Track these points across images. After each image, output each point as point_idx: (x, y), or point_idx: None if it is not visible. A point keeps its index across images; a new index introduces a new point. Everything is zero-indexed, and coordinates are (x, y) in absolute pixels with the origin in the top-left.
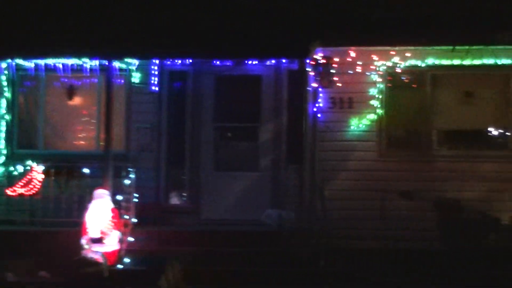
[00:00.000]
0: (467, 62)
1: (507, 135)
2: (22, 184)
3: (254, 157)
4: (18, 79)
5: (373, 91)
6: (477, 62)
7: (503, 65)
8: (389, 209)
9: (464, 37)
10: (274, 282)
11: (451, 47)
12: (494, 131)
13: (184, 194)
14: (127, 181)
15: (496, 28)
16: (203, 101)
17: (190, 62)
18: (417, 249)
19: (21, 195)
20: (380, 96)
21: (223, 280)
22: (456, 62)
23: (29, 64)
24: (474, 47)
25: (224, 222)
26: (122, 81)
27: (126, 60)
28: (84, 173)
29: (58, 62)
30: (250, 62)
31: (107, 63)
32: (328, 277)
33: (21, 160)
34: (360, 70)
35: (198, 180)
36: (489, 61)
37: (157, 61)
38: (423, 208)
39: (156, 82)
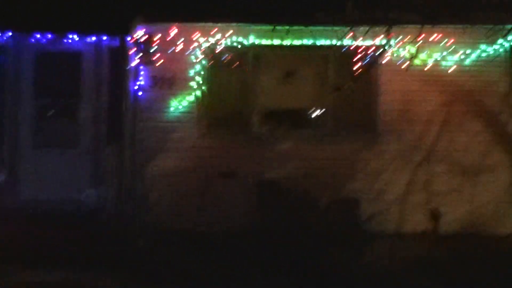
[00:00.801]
0: (287, 42)
1: (325, 115)
2: None
3: (75, 135)
4: None
5: (195, 70)
6: (297, 42)
7: (322, 46)
8: (210, 189)
9: (284, 17)
10: (91, 261)
11: (270, 27)
12: (313, 111)
13: (2, 172)
14: None
15: (315, 9)
16: (23, 76)
17: (9, 36)
18: (237, 228)
19: None
20: (202, 75)
21: (39, 260)
22: (277, 42)
23: None
24: (294, 27)
25: (43, 201)
26: None
27: None
28: None
29: None
30: (70, 37)
31: None
32: (146, 256)
33: None
34: (182, 48)
35: (17, 159)
36: (309, 41)
37: None
38: (244, 187)
39: None
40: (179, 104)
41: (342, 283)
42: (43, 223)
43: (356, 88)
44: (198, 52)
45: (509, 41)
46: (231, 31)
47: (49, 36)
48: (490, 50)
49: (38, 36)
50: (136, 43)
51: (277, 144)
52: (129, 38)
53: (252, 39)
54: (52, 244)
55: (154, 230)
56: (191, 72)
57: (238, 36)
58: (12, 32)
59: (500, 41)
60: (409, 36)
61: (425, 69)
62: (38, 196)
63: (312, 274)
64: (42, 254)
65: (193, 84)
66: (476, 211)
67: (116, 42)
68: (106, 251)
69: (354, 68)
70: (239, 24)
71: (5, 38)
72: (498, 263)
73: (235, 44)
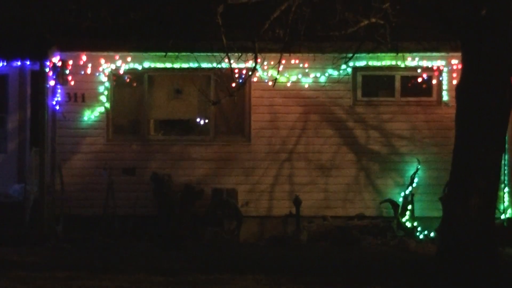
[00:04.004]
0: (177, 65)
1: (208, 123)
2: None
3: (3, 141)
4: None
5: (101, 88)
6: (184, 65)
7: (205, 68)
8: (115, 183)
9: (174, 45)
10: (18, 241)
11: (163, 53)
12: (198, 121)
13: None
14: None
15: (198, 39)
16: None
17: None
18: (138, 215)
19: None
20: (107, 93)
21: None
22: (168, 65)
23: None
24: (182, 53)
25: None
26: None
27: None
28: None
29: None
30: None
31: None
32: (64, 237)
33: None
34: (90, 71)
35: None
36: (194, 64)
37: None
38: (142, 182)
39: None
40: (90, 115)
41: (217, 253)
42: None
43: (232, 102)
44: (104, 74)
45: (350, 66)
46: (129, 58)
47: None
48: (336, 72)
49: None
50: (53, 66)
51: (170, 146)
52: (47, 63)
53: (147, 64)
54: None
55: (70, 217)
56: (99, 90)
57: (135, 61)
58: None
59: (343, 66)
60: (272, 61)
61: (287, 86)
62: None
63: (195, 247)
64: None
65: (100, 99)
66: (329, 198)
67: (36, 66)
68: (29, 235)
69: (231, 86)
70: (136, 52)
71: None
72: (338, 235)
73: (133, 67)
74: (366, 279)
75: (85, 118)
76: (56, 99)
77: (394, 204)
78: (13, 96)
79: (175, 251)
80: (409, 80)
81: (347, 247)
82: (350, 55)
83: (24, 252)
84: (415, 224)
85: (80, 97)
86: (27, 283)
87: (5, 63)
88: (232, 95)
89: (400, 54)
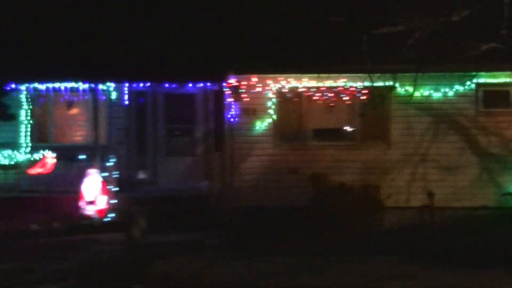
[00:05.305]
0: (328, 83)
1: (355, 131)
2: (39, 166)
3: (192, 147)
4: (34, 96)
5: (269, 104)
6: (334, 84)
7: (351, 86)
8: (281, 180)
9: (325, 68)
10: (205, 227)
11: (317, 75)
12: (347, 129)
13: (147, 172)
14: (109, 164)
15: (346, 62)
16: (157, 110)
17: (148, 85)
18: (298, 206)
19: (39, 173)
20: (274, 107)
21: (174, 228)
22: (321, 84)
23: (42, 86)
24: (333, 74)
25: (174, 188)
26: (104, 97)
27: (106, 83)
28: (80, 159)
29: (61, 85)
30: (188, 85)
31: (94, 86)
32: (239, 226)
33: (38, 150)
34: (260, 90)
35: (156, 162)
36: (342, 83)
37: (127, 84)
38: (303, 179)
39: (126, 98)
40: (260, 125)
41: (365, 237)
42: (172, 202)
43: (375, 114)
44: (272, 92)
45: (474, 82)
46: (290, 79)
47: (174, 85)
48: (462, 88)
49: (167, 85)
50: (229, 87)
51: (324, 150)
52: (224, 84)
53: (305, 83)
54: (175, 216)
55: (243, 208)
56: (267, 105)
57: (296, 81)
58: (149, 83)
59: (468, 82)
60: (408, 80)
61: (420, 100)
62: (170, 186)
63: (345, 234)
64: (175, 223)
65: (269, 112)
66: (456, 192)
67: (216, 87)
68: (213, 222)
69: (373, 101)
70: (296, 74)
71: (145, 86)
72: (469, 222)
73: (294, 86)
74: (492, 263)
75: (256, 128)
76: (232, 113)
77: None
78: (199, 111)
79: (326, 238)
80: None
81: (474, 234)
82: (474, 73)
83: (209, 236)
84: None
85: (252, 110)
86: (212, 263)
87: (191, 85)
88: (375, 108)
89: None
